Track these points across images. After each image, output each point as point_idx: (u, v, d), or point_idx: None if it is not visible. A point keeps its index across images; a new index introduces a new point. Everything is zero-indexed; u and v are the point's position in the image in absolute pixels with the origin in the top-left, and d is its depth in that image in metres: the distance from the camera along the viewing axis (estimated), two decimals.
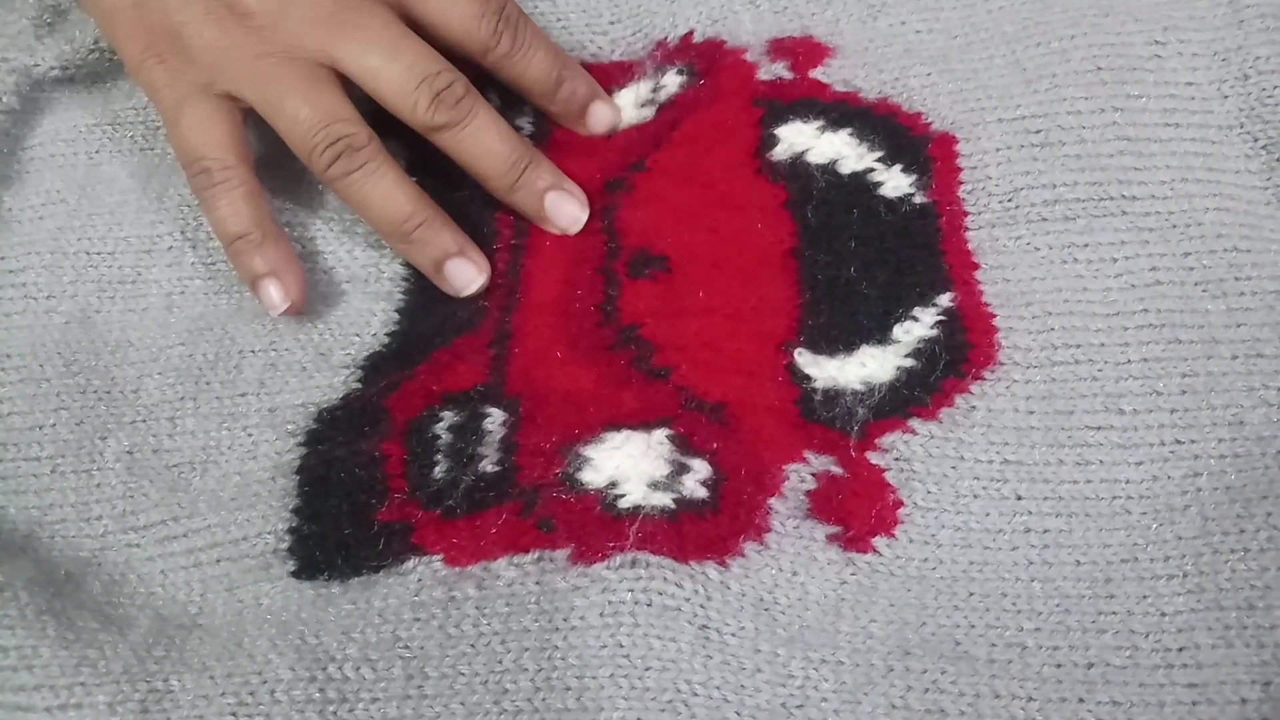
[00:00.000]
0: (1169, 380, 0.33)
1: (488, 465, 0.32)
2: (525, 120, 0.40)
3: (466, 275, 0.36)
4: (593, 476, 0.32)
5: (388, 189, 0.35)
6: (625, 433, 0.33)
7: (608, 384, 0.34)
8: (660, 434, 0.33)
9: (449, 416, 0.33)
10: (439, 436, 0.33)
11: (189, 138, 0.35)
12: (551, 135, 0.40)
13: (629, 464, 0.32)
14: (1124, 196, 0.35)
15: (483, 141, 0.36)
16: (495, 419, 0.33)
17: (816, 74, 0.39)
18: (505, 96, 0.39)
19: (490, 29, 0.36)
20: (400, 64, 0.34)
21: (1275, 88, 0.36)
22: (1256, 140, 0.36)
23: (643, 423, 0.33)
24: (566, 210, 0.37)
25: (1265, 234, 0.35)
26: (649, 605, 0.29)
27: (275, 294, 0.35)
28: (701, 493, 0.31)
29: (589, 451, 0.32)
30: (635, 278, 0.36)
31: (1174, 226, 0.35)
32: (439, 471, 0.32)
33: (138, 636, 0.30)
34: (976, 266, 0.35)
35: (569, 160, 0.38)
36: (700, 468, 0.32)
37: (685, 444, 0.32)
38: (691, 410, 0.33)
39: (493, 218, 0.38)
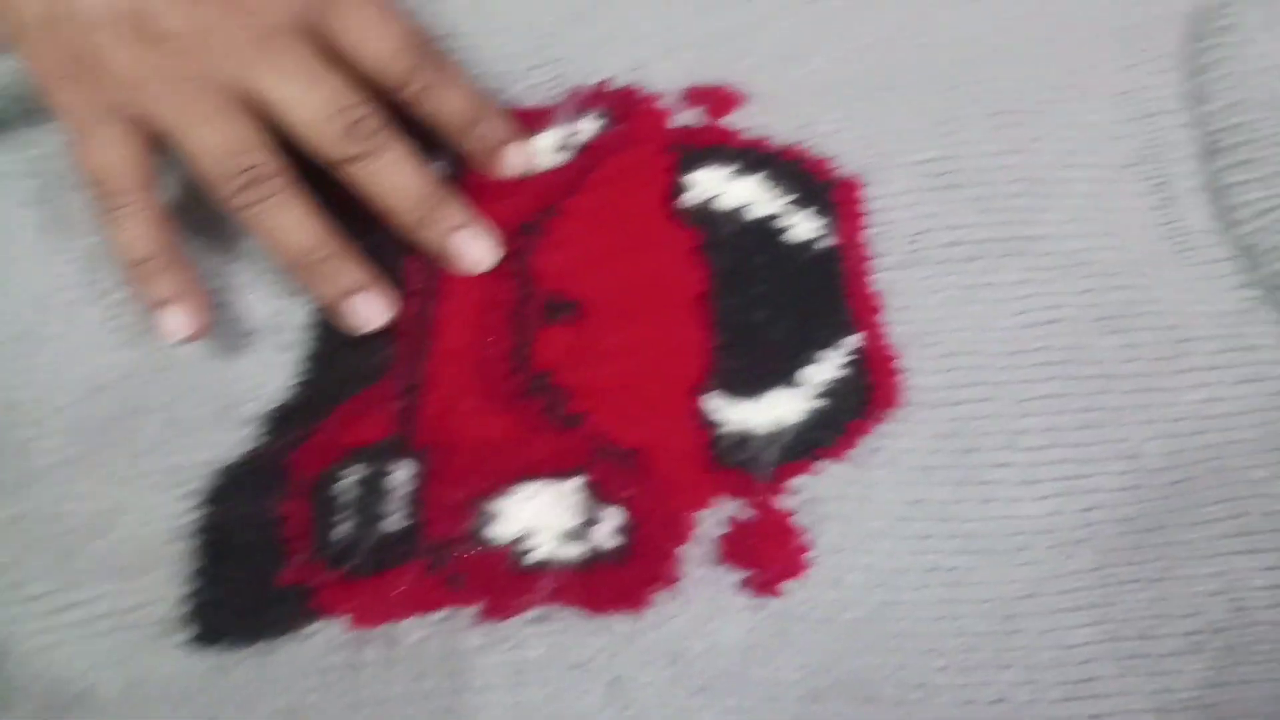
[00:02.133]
0: (1067, 416, 0.33)
1: (394, 522, 0.32)
2: (440, 164, 0.40)
3: (372, 310, 0.36)
4: (503, 530, 0.31)
5: (296, 219, 0.35)
6: (537, 483, 0.33)
7: (519, 433, 0.34)
8: (573, 484, 0.33)
9: (355, 472, 0.33)
10: (344, 493, 0.32)
11: (96, 158, 0.34)
12: (466, 179, 0.40)
13: (540, 516, 0.32)
14: (1024, 237, 0.36)
15: (392, 176, 0.36)
16: (402, 473, 0.33)
17: (729, 120, 0.39)
18: (421, 140, 0.39)
19: (409, 63, 0.36)
20: (317, 95, 0.34)
21: (1169, 127, 0.37)
22: (1150, 179, 0.37)
23: (555, 472, 0.33)
24: (476, 249, 0.37)
25: (1157, 271, 0.36)
26: (558, 661, 0.29)
27: (178, 321, 0.34)
28: (614, 542, 0.31)
29: (500, 504, 0.32)
30: (549, 323, 0.36)
31: (1071, 265, 0.36)
32: (344, 530, 0.32)
33: (26, 713, 0.29)
34: (881, 308, 0.35)
35: (482, 203, 0.38)
36: (612, 517, 0.32)
37: (597, 493, 0.32)
38: (604, 458, 0.33)
39: (401, 263, 0.38)
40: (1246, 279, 0.36)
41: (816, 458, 0.33)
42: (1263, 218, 0.36)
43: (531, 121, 0.40)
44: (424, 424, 0.34)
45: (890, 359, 0.34)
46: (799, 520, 0.32)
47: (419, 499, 0.32)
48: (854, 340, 0.35)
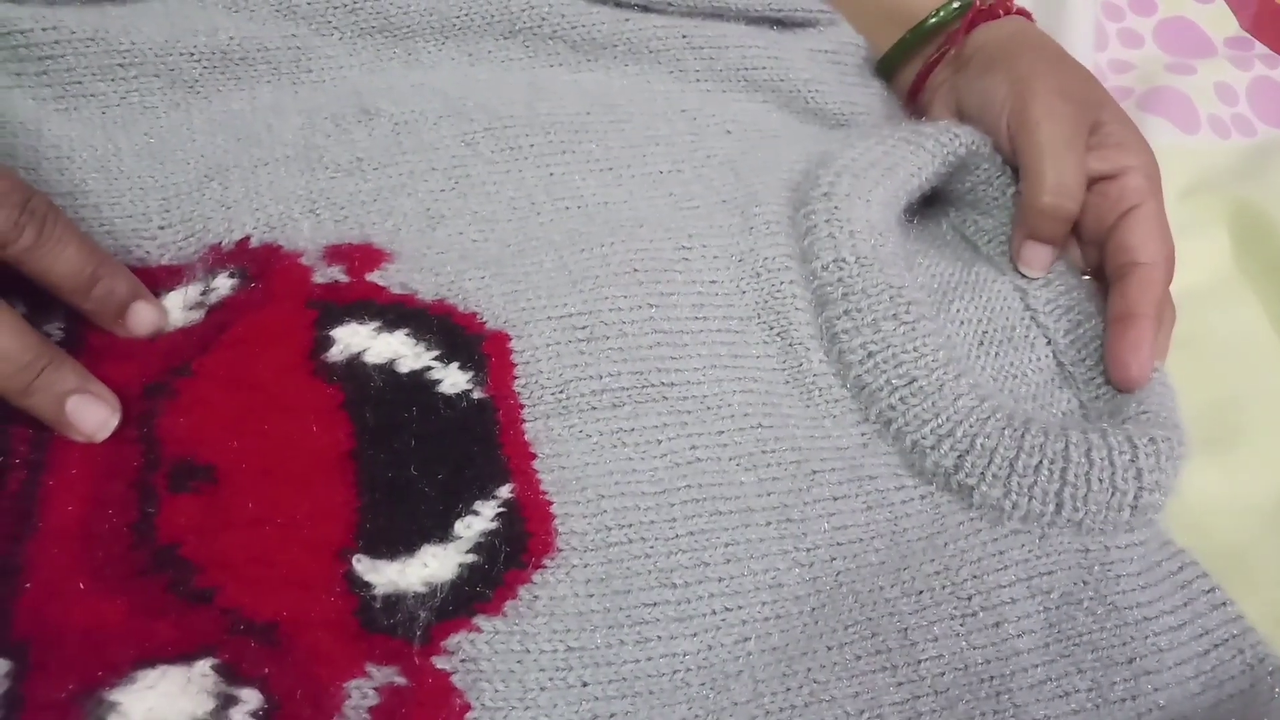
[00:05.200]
0: (714, 551, 0.35)
1: None
2: (55, 325, 0.36)
3: None
4: None
5: None
6: (161, 668, 0.29)
7: (140, 615, 0.30)
8: (203, 665, 0.29)
9: None
10: None
11: None
12: (86, 340, 0.36)
13: (165, 704, 0.28)
14: (663, 384, 0.38)
15: None
16: None
17: (373, 277, 0.39)
18: (34, 301, 0.36)
19: (10, 221, 0.33)
20: None
21: (782, 283, 0.41)
22: (771, 329, 0.41)
23: (181, 654, 0.30)
24: (92, 414, 0.34)
25: (784, 411, 0.39)
26: None
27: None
28: None
29: (117, 695, 0.28)
30: (177, 491, 0.33)
31: (708, 408, 0.38)
32: None
33: None
34: (534, 456, 0.36)
35: (104, 365, 0.35)
36: (250, 698, 0.29)
37: (232, 673, 0.29)
38: (239, 634, 0.30)
39: (5, 432, 0.33)
40: (862, 415, 0.40)
41: (475, 613, 0.32)
42: (869, 360, 0.40)
43: (162, 280, 0.38)
44: (23, 614, 0.30)
45: (545, 505, 0.34)
46: (457, 681, 0.31)
47: (17, 698, 0.28)
48: (508, 489, 0.35)
